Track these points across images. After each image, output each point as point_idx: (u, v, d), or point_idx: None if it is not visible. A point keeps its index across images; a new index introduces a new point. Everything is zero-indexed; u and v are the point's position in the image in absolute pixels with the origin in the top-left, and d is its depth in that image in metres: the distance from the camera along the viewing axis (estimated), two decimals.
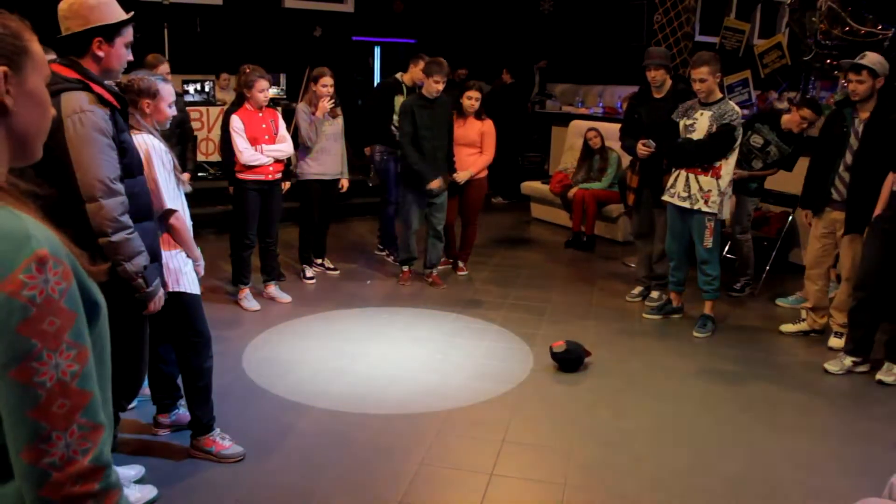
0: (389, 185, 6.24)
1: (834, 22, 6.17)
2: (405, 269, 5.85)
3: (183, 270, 3.03)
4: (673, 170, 4.89)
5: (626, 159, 6.30)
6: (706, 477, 3.21)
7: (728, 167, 4.69)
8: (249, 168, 4.88)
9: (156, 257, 2.69)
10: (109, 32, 2.45)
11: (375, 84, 10.01)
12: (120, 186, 2.46)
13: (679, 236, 4.92)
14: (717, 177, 4.68)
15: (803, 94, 7.74)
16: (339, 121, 5.62)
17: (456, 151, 5.82)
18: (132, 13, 2.53)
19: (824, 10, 6.22)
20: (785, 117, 5.49)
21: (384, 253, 6.54)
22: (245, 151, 4.82)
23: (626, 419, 3.73)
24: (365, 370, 4.21)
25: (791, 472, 3.29)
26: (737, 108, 4.72)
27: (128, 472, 2.97)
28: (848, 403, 4.03)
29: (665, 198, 4.92)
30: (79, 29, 2.41)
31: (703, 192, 4.69)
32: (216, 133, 6.89)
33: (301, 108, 5.46)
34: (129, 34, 2.52)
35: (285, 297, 5.29)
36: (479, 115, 5.85)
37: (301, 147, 5.44)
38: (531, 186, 8.39)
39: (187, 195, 3.08)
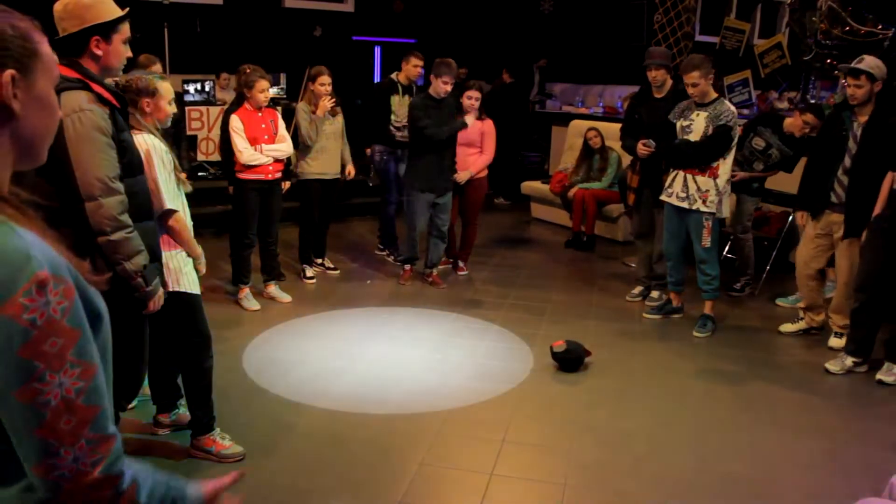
0: (389, 185, 6.24)
1: (834, 22, 6.16)
2: (406, 267, 5.84)
3: (183, 270, 3.03)
4: (670, 170, 4.89)
5: (626, 159, 6.31)
6: (706, 477, 3.21)
7: (725, 167, 4.70)
8: (249, 168, 4.88)
9: (155, 257, 2.69)
10: (106, 30, 2.45)
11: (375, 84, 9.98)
12: (119, 185, 2.47)
13: (676, 236, 4.93)
14: (715, 176, 4.68)
15: (803, 94, 7.74)
16: (339, 119, 5.62)
17: (457, 152, 5.82)
18: (127, 9, 2.52)
19: (824, 10, 6.21)
20: (787, 121, 5.49)
21: (384, 253, 6.54)
22: (245, 151, 4.82)
23: (627, 419, 3.73)
24: (365, 370, 4.22)
25: (791, 471, 3.29)
26: (732, 107, 4.73)
27: None
28: (848, 403, 4.03)
29: (663, 197, 4.93)
30: (75, 29, 2.41)
31: (701, 192, 4.70)
32: (216, 133, 6.88)
33: (301, 107, 5.46)
34: (125, 31, 2.52)
35: (285, 297, 5.29)
36: (479, 115, 5.85)
37: (301, 146, 5.44)
38: (531, 186, 8.39)
39: (187, 195, 3.08)
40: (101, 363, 1.06)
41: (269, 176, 4.98)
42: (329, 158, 5.60)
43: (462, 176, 5.75)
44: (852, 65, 4.34)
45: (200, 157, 7.48)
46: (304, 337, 4.69)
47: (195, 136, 7.35)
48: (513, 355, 4.50)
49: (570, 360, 4.29)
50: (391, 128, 6.08)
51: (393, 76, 6.19)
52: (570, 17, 11.24)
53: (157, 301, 2.67)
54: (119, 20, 2.48)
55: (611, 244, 7.32)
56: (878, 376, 4.23)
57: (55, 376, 0.97)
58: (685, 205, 4.76)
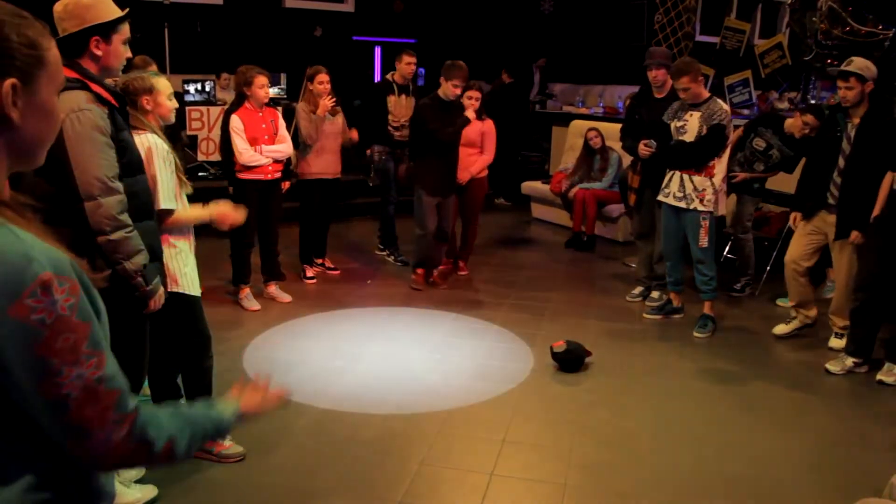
0: (389, 185, 6.24)
1: (834, 22, 6.16)
2: (419, 270, 5.73)
3: (183, 271, 3.03)
4: (667, 170, 4.90)
5: (627, 159, 6.31)
6: (706, 477, 3.21)
7: (721, 165, 4.71)
8: (249, 168, 4.88)
9: (156, 256, 2.69)
10: (106, 30, 2.45)
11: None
12: (118, 185, 2.47)
13: (674, 236, 4.93)
14: (711, 175, 4.69)
15: (804, 95, 7.75)
16: (339, 118, 5.63)
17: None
18: (127, 9, 2.52)
19: (825, 10, 6.21)
20: (788, 122, 5.49)
21: (384, 253, 6.53)
22: (244, 152, 4.82)
23: (627, 419, 3.73)
24: (365, 370, 4.22)
25: (791, 472, 3.29)
26: (725, 105, 4.74)
27: (128, 472, 2.97)
28: (848, 403, 4.03)
29: (660, 198, 4.93)
30: (75, 29, 2.41)
31: (698, 191, 4.71)
32: (216, 133, 6.89)
33: (301, 107, 5.46)
34: (125, 31, 2.52)
35: (286, 297, 5.29)
36: (479, 115, 5.85)
37: (301, 146, 5.44)
38: (531, 186, 8.39)
39: (188, 196, 3.08)
40: None
41: (269, 176, 4.98)
42: (329, 158, 5.60)
43: (463, 176, 5.75)
44: (841, 67, 4.33)
45: (201, 157, 7.48)
46: (304, 337, 4.69)
47: (196, 136, 7.35)
48: (513, 355, 4.50)
49: (571, 361, 4.29)
50: (389, 128, 6.09)
51: (388, 76, 6.21)
52: (570, 17, 11.24)
53: (158, 300, 2.67)
54: (119, 20, 2.48)
55: (611, 244, 7.32)
56: (879, 377, 4.23)
57: (72, 370, 1.00)
58: (682, 204, 4.77)
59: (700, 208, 4.71)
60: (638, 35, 10.09)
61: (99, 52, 2.45)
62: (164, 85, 2.94)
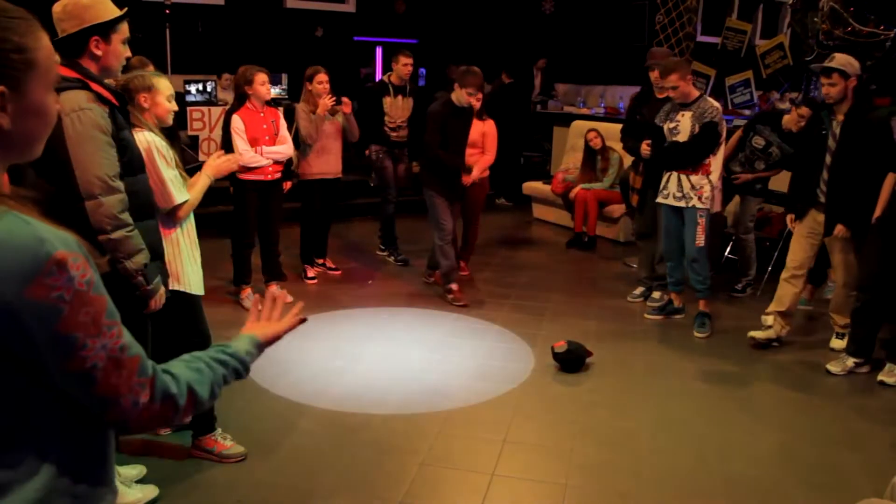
0: (388, 184, 6.24)
1: (836, 22, 6.16)
2: (454, 286, 5.37)
3: (185, 270, 3.03)
4: (664, 172, 4.90)
5: (627, 160, 6.31)
6: (706, 477, 3.21)
7: (717, 163, 4.71)
8: (249, 169, 4.88)
9: (157, 255, 2.69)
10: (105, 30, 2.45)
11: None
12: (119, 184, 2.47)
13: (675, 236, 4.92)
14: (708, 173, 4.70)
15: (805, 95, 7.74)
16: (339, 118, 5.63)
17: None
18: (126, 9, 2.53)
19: (826, 11, 6.21)
20: (786, 117, 5.49)
21: (385, 253, 6.54)
22: (245, 153, 4.82)
23: (627, 419, 3.73)
24: (366, 370, 4.22)
25: (792, 472, 3.28)
26: (715, 103, 4.74)
27: (129, 471, 2.98)
28: (849, 404, 4.02)
29: (659, 199, 4.93)
30: (75, 30, 2.42)
31: (696, 189, 4.72)
32: (218, 133, 6.89)
33: (300, 107, 5.47)
34: (125, 30, 2.53)
35: (286, 298, 5.28)
36: (480, 115, 5.85)
37: (301, 147, 5.45)
38: (533, 187, 8.39)
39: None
40: None
41: (269, 176, 4.98)
42: (330, 158, 5.61)
43: (465, 179, 5.70)
44: (824, 64, 4.31)
45: (202, 158, 7.48)
46: (305, 337, 4.67)
47: (197, 137, 7.35)
48: (514, 356, 4.50)
49: (572, 361, 4.28)
50: (385, 129, 6.10)
51: (384, 78, 6.22)
52: (571, 17, 11.24)
53: (159, 300, 2.67)
54: (118, 20, 2.49)
55: (612, 245, 7.32)
56: (880, 377, 4.23)
57: (96, 341, 1.04)
58: (681, 203, 4.78)
59: (698, 205, 4.72)
60: (639, 35, 10.09)
61: (99, 52, 2.46)
62: (164, 86, 2.94)
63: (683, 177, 4.76)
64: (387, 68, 6.40)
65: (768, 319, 4.71)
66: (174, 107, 3.01)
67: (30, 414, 1.05)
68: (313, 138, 5.44)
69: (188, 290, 3.04)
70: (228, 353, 1.34)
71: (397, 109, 6.12)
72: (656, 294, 5.51)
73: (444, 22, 10.87)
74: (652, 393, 4.05)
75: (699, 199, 4.71)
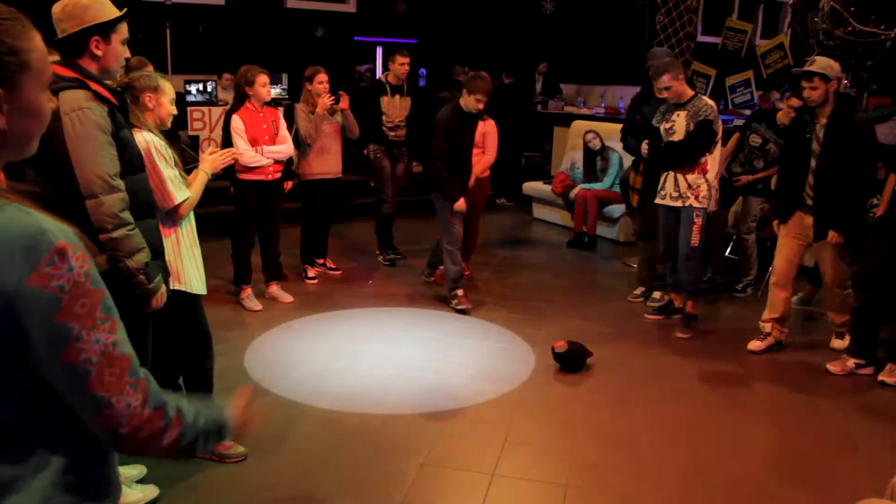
0: (384, 184, 6.23)
1: (836, 22, 6.16)
2: (459, 292, 5.23)
3: (186, 270, 3.03)
4: (662, 172, 4.90)
5: (628, 159, 6.31)
6: (707, 477, 3.21)
7: (713, 161, 4.70)
8: (250, 169, 4.88)
9: (157, 254, 2.69)
10: (105, 30, 2.46)
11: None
12: (120, 183, 2.47)
13: (672, 237, 4.91)
14: (704, 172, 4.68)
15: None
16: (338, 118, 5.63)
17: None
18: (125, 10, 2.53)
19: (827, 11, 6.20)
20: (779, 113, 5.50)
21: (380, 257, 6.47)
22: (246, 153, 4.82)
23: (628, 419, 3.73)
24: (366, 370, 4.22)
25: (792, 472, 3.28)
26: (710, 101, 4.72)
27: (130, 471, 2.97)
28: (849, 404, 4.02)
29: (657, 200, 4.92)
30: (74, 30, 2.41)
31: (693, 188, 4.70)
32: (218, 133, 6.89)
33: (299, 107, 5.47)
34: (124, 31, 2.53)
35: (287, 297, 5.29)
36: (480, 116, 5.84)
37: (301, 147, 5.45)
38: (533, 187, 8.39)
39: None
40: None
41: (269, 176, 4.98)
42: (330, 158, 5.61)
43: (476, 172, 5.66)
44: (804, 67, 4.28)
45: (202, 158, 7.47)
46: (305, 337, 4.69)
47: (197, 137, 7.36)
48: (514, 356, 4.50)
49: (572, 361, 4.29)
50: (383, 128, 6.09)
51: (381, 77, 6.21)
52: (571, 17, 11.24)
53: (160, 298, 2.67)
54: (118, 20, 2.49)
55: (612, 245, 7.32)
56: (881, 377, 4.22)
57: (91, 334, 1.05)
58: (678, 203, 4.76)
59: (695, 205, 4.70)
60: (639, 35, 10.09)
61: (99, 52, 2.46)
62: (168, 88, 2.97)
63: (680, 176, 4.75)
64: (386, 68, 6.38)
65: (766, 327, 4.70)
66: (174, 110, 3.03)
67: (33, 409, 1.06)
68: (313, 138, 5.44)
69: (189, 290, 3.04)
70: (216, 416, 1.30)
71: (395, 109, 6.12)
72: (656, 294, 5.51)
73: (444, 22, 10.87)
74: (652, 393, 4.05)
75: (696, 198, 4.70)
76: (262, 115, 4.91)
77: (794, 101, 5.29)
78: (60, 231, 1.03)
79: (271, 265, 5.30)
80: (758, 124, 5.58)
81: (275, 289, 5.32)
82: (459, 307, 5.19)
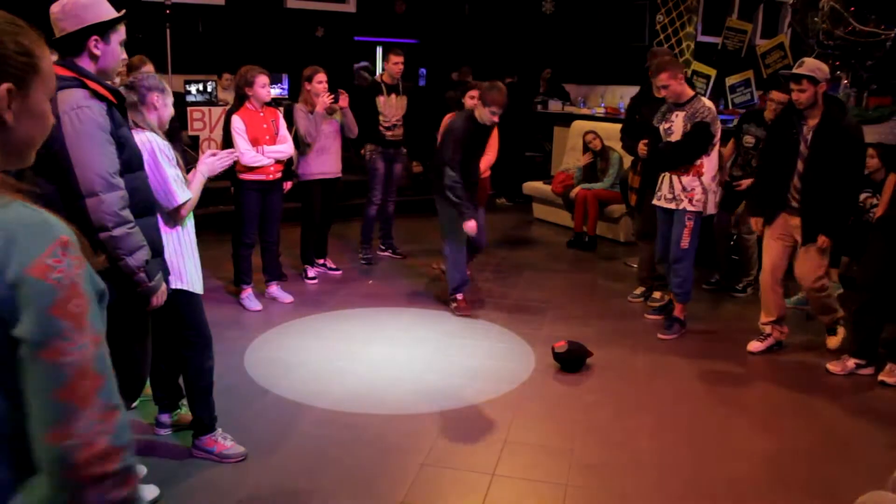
0: (374, 185, 6.23)
1: (836, 22, 6.15)
2: (459, 296, 5.18)
3: (187, 269, 3.03)
4: (659, 173, 4.89)
5: (627, 160, 6.30)
6: (707, 477, 3.21)
7: (710, 164, 4.66)
8: (250, 168, 4.89)
9: (157, 252, 2.69)
10: (105, 30, 2.46)
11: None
12: (120, 181, 2.46)
13: (669, 238, 4.90)
14: (700, 174, 4.65)
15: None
16: (337, 117, 5.64)
17: None
18: (124, 10, 2.53)
19: (826, 11, 6.20)
20: (766, 112, 5.50)
21: (360, 255, 6.45)
22: (247, 153, 4.82)
23: (628, 419, 3.73)
24: (366, 370, 4.22)
25: (792, 472, 3.28)
26: (708, 103, 4.67)
27: None
28: (850, 404, 4.02)
29: (654, 201, 4.92)
30: (74, 29, 2.42)
31: (687, 191, 4.68)
32: (218, 133, 6.90)
33: (298, 107, 5.48)
34: (122, 32, 2.53)
35: (287, 297, 5.30)
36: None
37: (301, 147, 5.45)
38: (533, 186, 8.39)
39: None
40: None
41: (270, 176, 4.99)
42: (329, 158, 5.62)
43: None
44: (793, 70, 4.25)
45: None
46: (305, 337, 4.69)
47: (197, 137, 7.36)
48: (514, 356, 4.50)
49: (572, 361, 4.29)
50: (380, 128, 6.09)
51: (376, 77, 6.22)
52: (571, 17, 11.24)
53: (161, 296, 2.67)
54: (117, 21, 2.49)
55: (612, 245, 7.32)
56: (881, 377, 4.22)
57: (80, 337, 1.02)
58: (672, 205, 4.75)
59: (689, 208, 4.68)
60: (639, 35, 10.08)
61: (97, 52, 2.46)
62: (169, 92, 2.98)
63: (675, 178, 4.73)
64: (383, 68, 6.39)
65: (766, 329, 4.70)
66: (172, 112, 3.05)
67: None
68: (312, 136, 5.44)
69: (191, 289, 3.04)
70: None
71: (391, 108, 6.12)
72: (656, 294, 5.51)
73: (444, 22, 10.87)
74: (652, 393, 4.05)
75: (689, 201, 4.67)
76: (262, 115, 4.92)
77: (774, 94, 5.30)
78: (64, 227, 1.04)
79: (271, 265, 5.30)
80: (748, 125, 5.60)
81: (275, 289, 5.32)
82: (459, 314, 5.13)
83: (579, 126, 8.14)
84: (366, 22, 10.72)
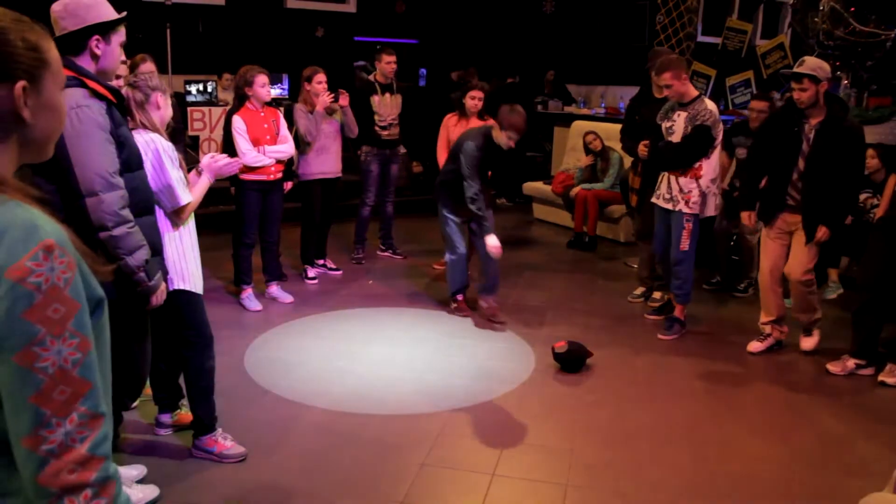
0: (368, 186, 6.23)
1: (836, 22, 6.16)
2: (459, 297, 5.19)
3: (188, 269, 3.03)
4: (659, 172, 4.89)
5: (628, 160, 6.30)
6: (708, 477, 3.21)
7: (710, 166, 4.64)
8: (251, 168, 4.89)
9: (156, 251, 2.69)
10: (106, 30, 2.46)
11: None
12: (119, 180, 2.47)
13: (661, 237, 4.90)
14: (697, 177, 4.64)
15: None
16: (337, 117, 5.64)
17: None
18: (125, 12, 2.53)
19: (826, 11, 6.20)
20: (751, 121, 5.55)
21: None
22: (248, 153, 4.82)
23: (628, 419, 3.73)
24: (366, 370, 4.22)
25: (792, 472, 3.28)
26: (711, 106, 4.62)
27: (130, 471, 2.98)
28: (850, 404, 4.02)
29: (652, 200, 4.92)
30: (75, 28, 2.42)
31: (684, 193, 4.67)
32: (218, 133, 6.90)
33: (298, 107, 5.48)
34: (123, 33, 2.54)
35: (287, 297, 5.30)
36: (481, 116, 5.86)
37: (301, 146, 5.45)
38: (533, 187, 8.39)
39: None
40: (99, 349, 1.08)
41: (271, 176, 4.99)
42: (329, 158, 5.62)
43: None
44: (794, 69, 4.24)
45: (202, 158, 7.47)
46: (305, 337, 4.69)
47: (197, 137, 7.36)
48: (514, 356, 4.50)
49: (572, 361, 4.29)
50: (376, 128, 6.09)
51: (370, 77, 6.22)
52: (572, 17, 11.24)
53: (160, 296, 2.67)
54: (119, 21, 2.49)
55: (612, 245, 7.32)
56: (881, 378, 4.22)
57: (55, 342, 0.99)
58: (669, 206, 4.75)
59: (685, 210, 4.67)
60: (639, 35, 10.09)
61: (98, 52, 2.46)
62: (169, 91, 3.00)
63: (673, 179, 4.72)
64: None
65: (766, 329, 4.70)
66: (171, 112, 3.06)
67: None
68: (313, 135, 5.44)
69: (193, 290, 3.04)
70: None
71: (386, 107, 6.12)
72: (657, 294, 5.51)
73: (444, 22, 10.88)
74: (653, 393, 4.05)
75: (686, 203, 4.66)
76: (262, 115, 4.92)
77: (755, 104, 5.38)
78: (54, 231, 1.02)
79: (271, 265, 5.30)
80: (738, 138, 5.64)
81: (275, 289, 5.32)
82: (458, 314, 5.12)
83: (579, 126, 8.14)
84: (366, 22, 10.72)
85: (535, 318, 5.14)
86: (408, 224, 7.34)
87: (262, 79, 4.85)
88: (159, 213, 2.91)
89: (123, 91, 2.76)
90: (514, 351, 4.58)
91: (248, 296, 5.15)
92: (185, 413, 3.41)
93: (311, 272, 5.82)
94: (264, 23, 9.79)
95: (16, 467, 1.02)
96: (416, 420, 3.64)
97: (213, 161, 3.18)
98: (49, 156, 1.17)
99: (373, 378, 4.11)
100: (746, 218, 4.65)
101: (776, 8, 10.35)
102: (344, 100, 5.59)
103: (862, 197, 5.30)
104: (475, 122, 5.83)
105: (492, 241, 4.77)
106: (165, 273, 2.82)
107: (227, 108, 5.59)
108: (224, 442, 3.21)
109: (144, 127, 2.88)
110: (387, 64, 6.09)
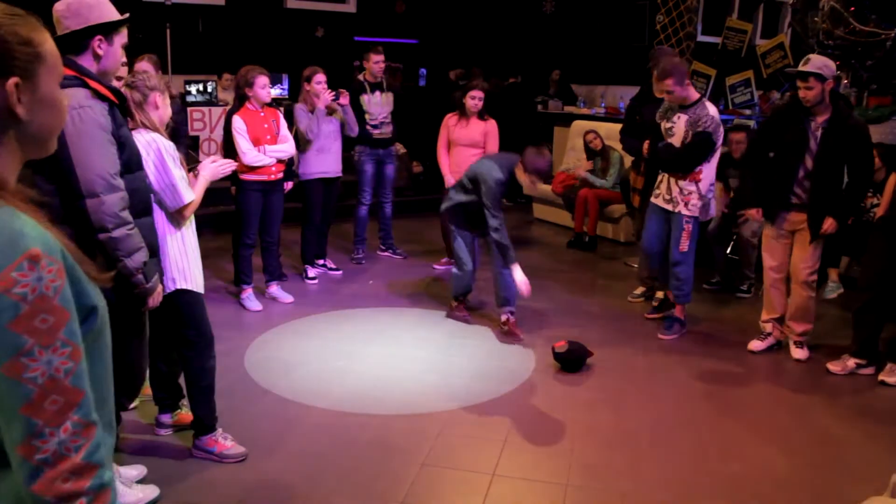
0: (363, 186, 6.23)
1: (836, 22, 6.15)
2: (457, 303, 5.15)
3: (189, 268, 3.03)
4: (659, 172, 4.89)
5: (628, 160, 6.31)
6: (708, 477, 3.21)
7: (710, 171, 4.64)
8: (252, 168, 4.89)
9: (154, 252, 2.70)
10: (108, 31, 2.46)
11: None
12: (120, 182, 2.47)
13: (654, 232, 4.88)
14: (697, 181, 4.63)
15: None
16: (338, 117, 5.64)
17: (459, 152, 5.83)
18: (128, 14, 2.53)
19: (826, 10, 6.20)
20: (733, 150, 5.66)
21: (351, 256, 6.45)
22: (248, 153, 4.82)
23: (628, 419, 3.73)
24: (367, 370, 4.21)
25: (792, 472, 3.28)
26: (712, 111, 4.56)
27: (130, 472, 2.98)
28: (850, 404, 4.02)
29: (652, 199, 4.92)
30: (78, 27, 2.42)
31: (684, 195, 4.66)
32: (218, 133, 6.90)
33: (298, 106, 5.48)
34: (125, 35, 2.54)
35: (287, 297, 5.30)
36: (481, 115, 5.86)
37: (302, 146, 5.46)
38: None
39: None
40: (97, 355, 1.08)
41: (272, 176, 4.99)
42: (329, 158, 5.62)
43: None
44: (799, 67, 4.22)
45: (203, 158, 7.47)
46: (305, 337, 4.69)
47: (197, 137, 7.36)
48: (514, 356, 4.50)
49: (572, 361, 4.29)
50: (367, 127, 6.09)
51: (360, 77, 6.22)
52: (572, 17, 11.24)
53: (157, 297, 2.67)
54: (121, 22, 2.49)
55: (613, 245, 7.31)
56: (881, 377, 4.22)
57: (44, 353, 0.97)
58: (669, 207, 4.74)
59: (685, 212, 4.66)
60: (639, 35, 10.09)
61: (101, 52, 2.46)
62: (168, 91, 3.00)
63: (673, 180, 4.72)
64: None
65: (766, 327, 4.69)
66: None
67: None
68: (314, 132, 5.44)
69: (195, 289, 3.04)
70: None
71: (376, 106, 6.12)
72: (659, 294, 5.50)
73: (444, 22, 10.88)
74: (652, 393, 4.05)
75: (685, 205, 4.66)
76: (262, 115, 4.92)
77: (734, 136, 5.53)
78: (42, 240, 0.99)
79: (272, 265, 5.30)
80: (727, 170, 5.70)
81: (275, 289, 5.32)
82: (458, 315, 5.09)
83: (579, 126, 8.14)
84: (366, 22, 10.72)
85: (535, 318, 5.14)
86: (408, 224, 7.35)
87: (262, 80, 4.85)
88: (159, 214, 2.91)
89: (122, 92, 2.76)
90: (514, 351, 4.58)
91: (249, 296, 5.15)
92: (185, 413, 3.41)
93: (312, 272, 5.82)
94: (264, 23, 9.79)
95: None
96: (416, 420, 3.64)
97: (209, 163, 3.18)
98: (53, 150, 1.14)
99: (373, 378, 4.11)
100: (755, 213, 4.63)
101: (776, 7, 10.35)
102: (344, 99, 5.59)
103: None
104: (475, 122, 5.83)
105: (519, 277, 4.58)
106: (162, 275, 2.82)
107: (227, 108, 5.59)
108: (224, 442, 3.21)
109: (145, 127, 2.89)
110: (375, 63, 6.10)
